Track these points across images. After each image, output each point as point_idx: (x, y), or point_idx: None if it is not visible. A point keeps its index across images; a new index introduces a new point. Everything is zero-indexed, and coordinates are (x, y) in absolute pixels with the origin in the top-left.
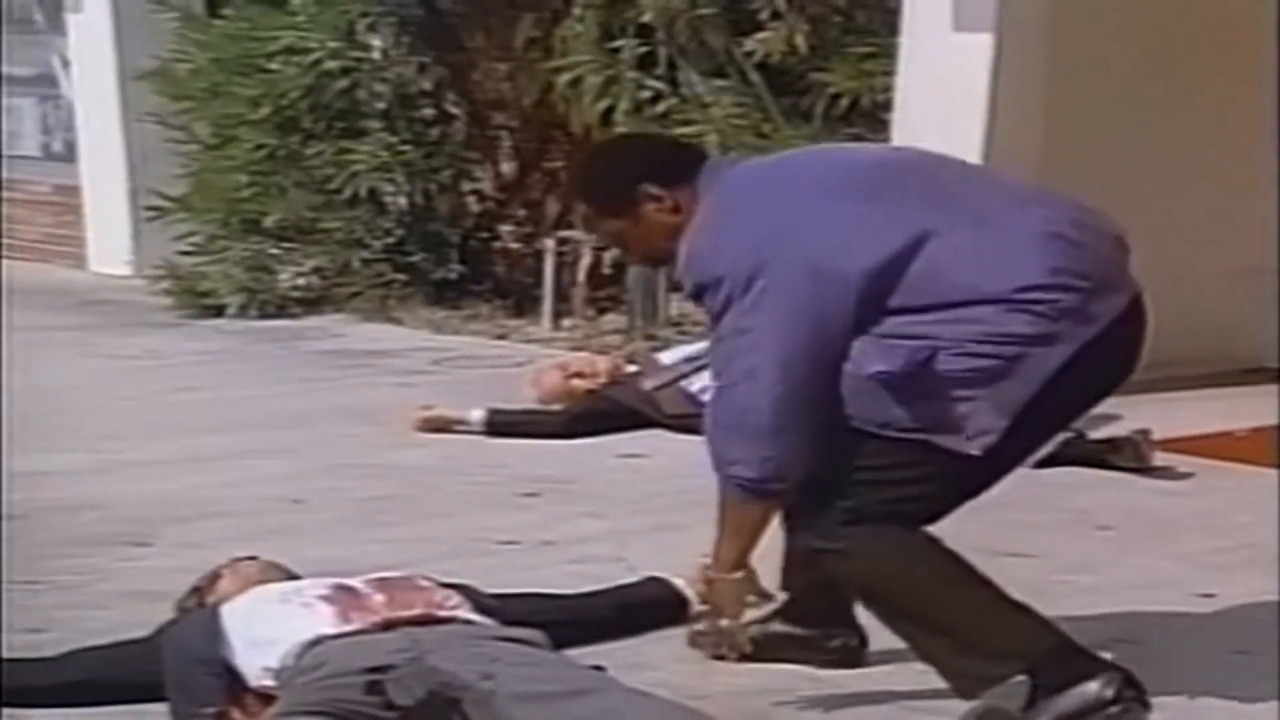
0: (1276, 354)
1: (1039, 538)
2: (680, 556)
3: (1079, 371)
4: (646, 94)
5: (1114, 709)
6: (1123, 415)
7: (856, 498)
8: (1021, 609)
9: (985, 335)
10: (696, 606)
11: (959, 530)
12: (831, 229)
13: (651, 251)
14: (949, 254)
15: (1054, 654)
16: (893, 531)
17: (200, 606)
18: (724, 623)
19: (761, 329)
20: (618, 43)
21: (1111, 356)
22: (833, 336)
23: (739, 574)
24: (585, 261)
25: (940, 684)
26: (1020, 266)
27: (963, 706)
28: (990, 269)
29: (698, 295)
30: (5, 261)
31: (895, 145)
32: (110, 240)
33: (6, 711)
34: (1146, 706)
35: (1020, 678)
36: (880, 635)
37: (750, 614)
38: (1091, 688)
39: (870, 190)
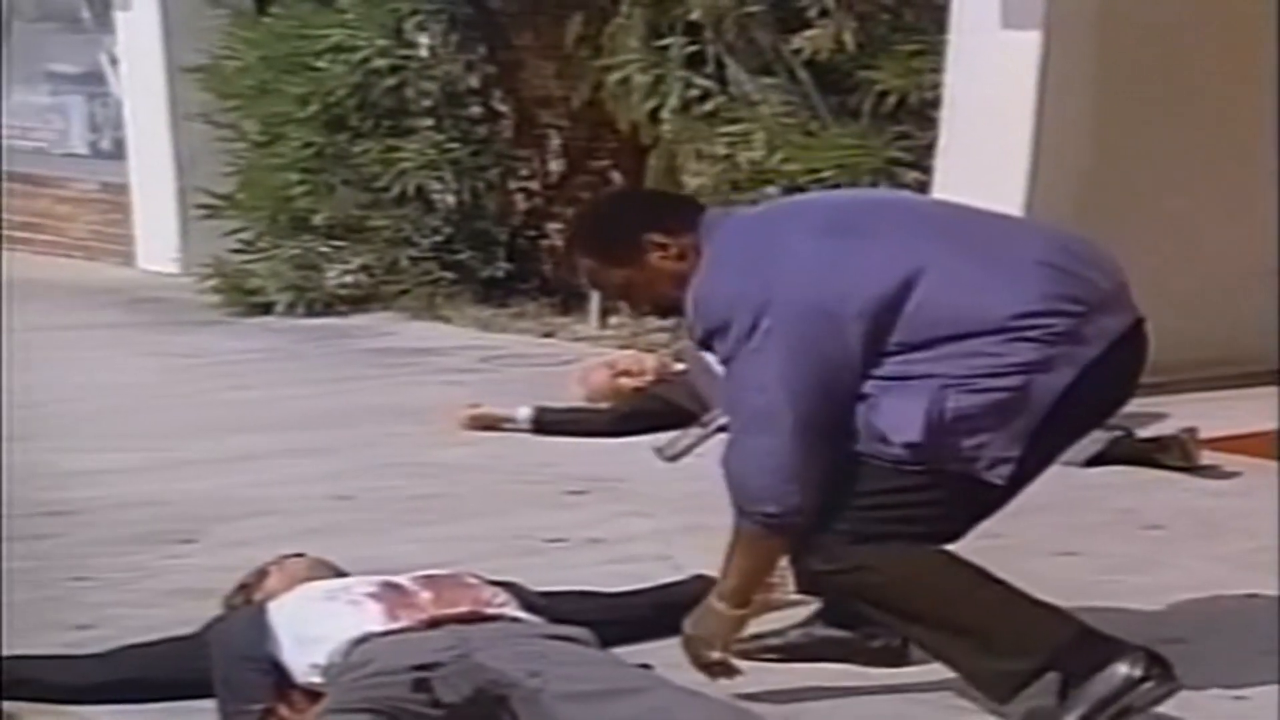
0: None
1: (1087, 538)
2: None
3: (1082, 393)
4: (694, 92)
5: (1146, 685)
6: (1170, 414)
7: (863, 521)
8: (1035, 602)
9: (990, 368)
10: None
11: (1006, 530)
12: (829, 267)
13: (659, 300)
14: (944, 287)
15: (1075, 642)
16: (899, 544)
17: (248, 604)
18: (715, 655)
19: (770, 370)
20: (665, 41)
21: (1112, 378)
22: (839, 371)
23: (740, 611)
24: None
25: None
26: (1014, 295)
27: None
28: (985, 299)
29: (706, 340)
30: (54, 259)
31: (878, 189)
32: (158, 238)
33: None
34: (1175, 680)
35: (1049, 674)
36: None
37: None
38: (1120, 669)
39: (862, 227)
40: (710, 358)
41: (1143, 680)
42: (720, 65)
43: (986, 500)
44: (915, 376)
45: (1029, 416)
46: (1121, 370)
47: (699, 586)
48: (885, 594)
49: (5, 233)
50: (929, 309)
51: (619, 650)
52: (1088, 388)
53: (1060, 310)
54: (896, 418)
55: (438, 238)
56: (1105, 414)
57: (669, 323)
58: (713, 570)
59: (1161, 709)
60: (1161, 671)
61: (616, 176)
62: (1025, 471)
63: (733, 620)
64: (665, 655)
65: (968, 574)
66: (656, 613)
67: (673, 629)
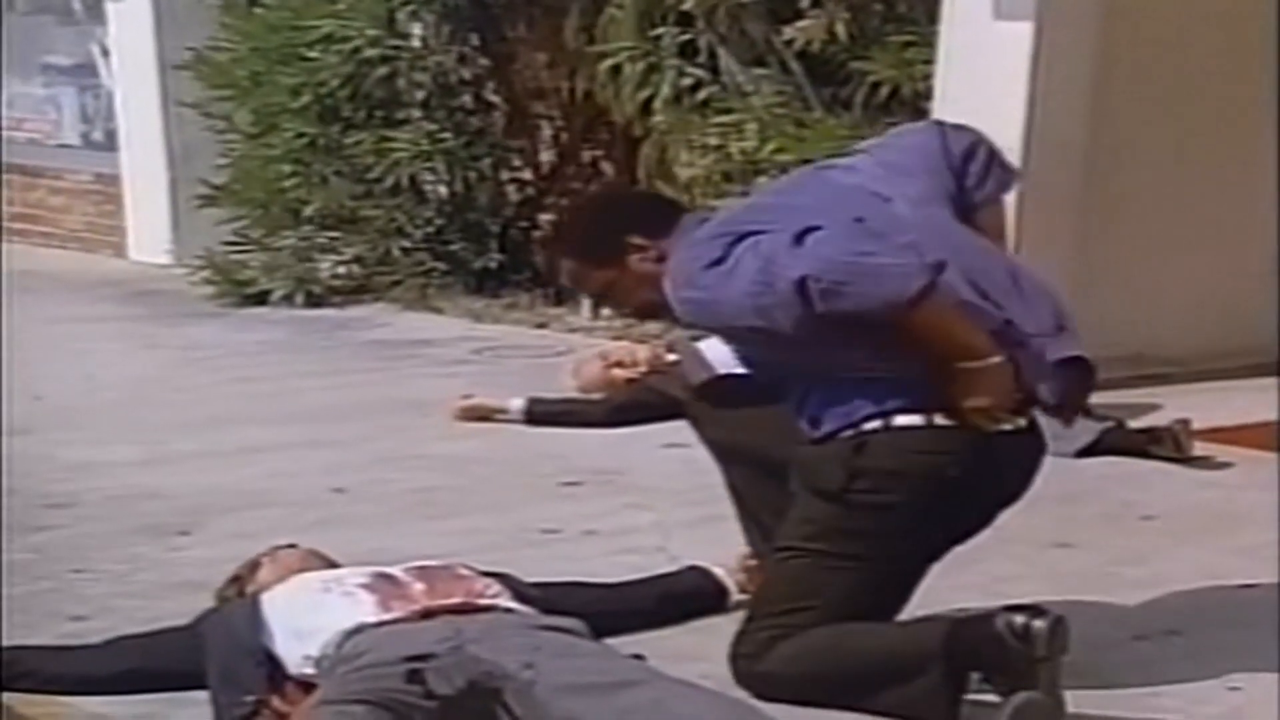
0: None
1: (1081, 529)
2: (723, 547)
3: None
4: (687, 82)
5: (1036, 623)
6: (1163, 405)
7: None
8: (899, 622)
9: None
10: (736, 596)
11: (999, 522)
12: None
13: (640, 302)
14: None
15: (956, 632)
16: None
17: (240, 595)
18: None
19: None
20: (658, 30)
21: (1006, 469)
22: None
23: (996, 358)
24: None
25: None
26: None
27: None
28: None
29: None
30: (51, 251)
31: None
32: (151, 229)
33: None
34: (1051, 613)
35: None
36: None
37: None
38: (999, 623)
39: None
40: (703, 346)
41: (1030, 619)
42: (712, 55)
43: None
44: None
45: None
46: (1012, 469)
47: (695, 578)
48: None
49: (4, 224)
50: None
51: (615, 641)
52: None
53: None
54: (822, 409)
55: (430, 228)
56: (993, 514)
57: None
58: (709, 562)
59: (1156, 703)
60: (1030, 609)
61: (609, 167)
62: (905, 562)
63: (1000, 366)
64: (666, 647)
65: (844, 631)
66: (652, 603)
67: (668, 620)
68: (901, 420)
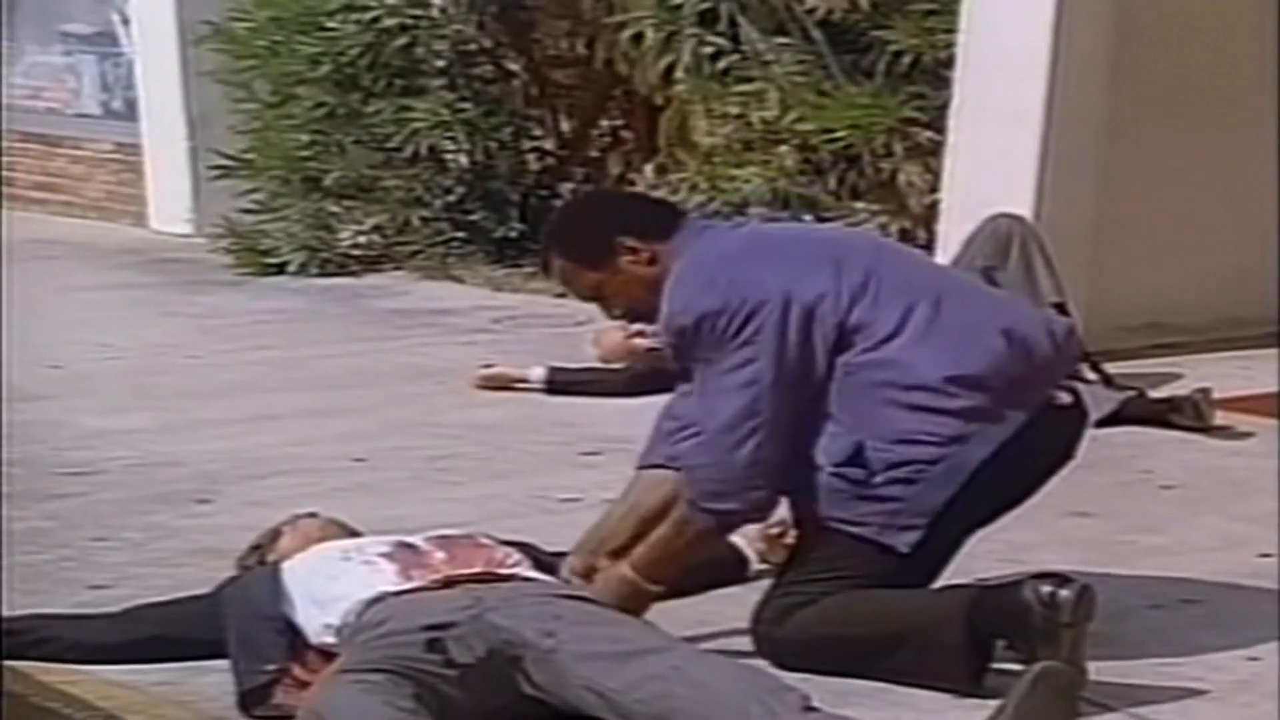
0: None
1: (1101, 498)
2: None
3: (1002, 467)
4: (707, 50)
5: (1063, 592)
6: (1184, 375)
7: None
8: (924, 590)
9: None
10: (755, 565)
11: None
12: (814, 270)
13: (630, 305)
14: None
15: (982, 599)
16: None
17: (261, 564)
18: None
19: (763, 361)
20: None
21: (1037, 453)
22: (815, 371)
23: (654, 588)
24: None
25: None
26: (957, 356)
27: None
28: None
29: (682, 334)
30: (71, 220)
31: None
32: (171, 198)
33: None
34: (1072, 581)
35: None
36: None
37: None
38: (1026, 590)
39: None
40: None
41: (1054, 587)
42: (733, 24)
43: (900, 577)
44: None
45: (943, 487)
46: (1052, 442)
47: None
48: (820, 655)
49: (22, 193)
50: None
51: None
52: (1008, 463)
53: (986, 384)
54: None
55: (450, 198)
56: (1032, 489)
57: None
58: None
59: (1173, 671)
60: (1056, 578)
61: (629, 136)
62: (935, 544)
63: (642, 594)
64: (685, 615)
65: (867, 599)
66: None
67: (686, 589)
68: None
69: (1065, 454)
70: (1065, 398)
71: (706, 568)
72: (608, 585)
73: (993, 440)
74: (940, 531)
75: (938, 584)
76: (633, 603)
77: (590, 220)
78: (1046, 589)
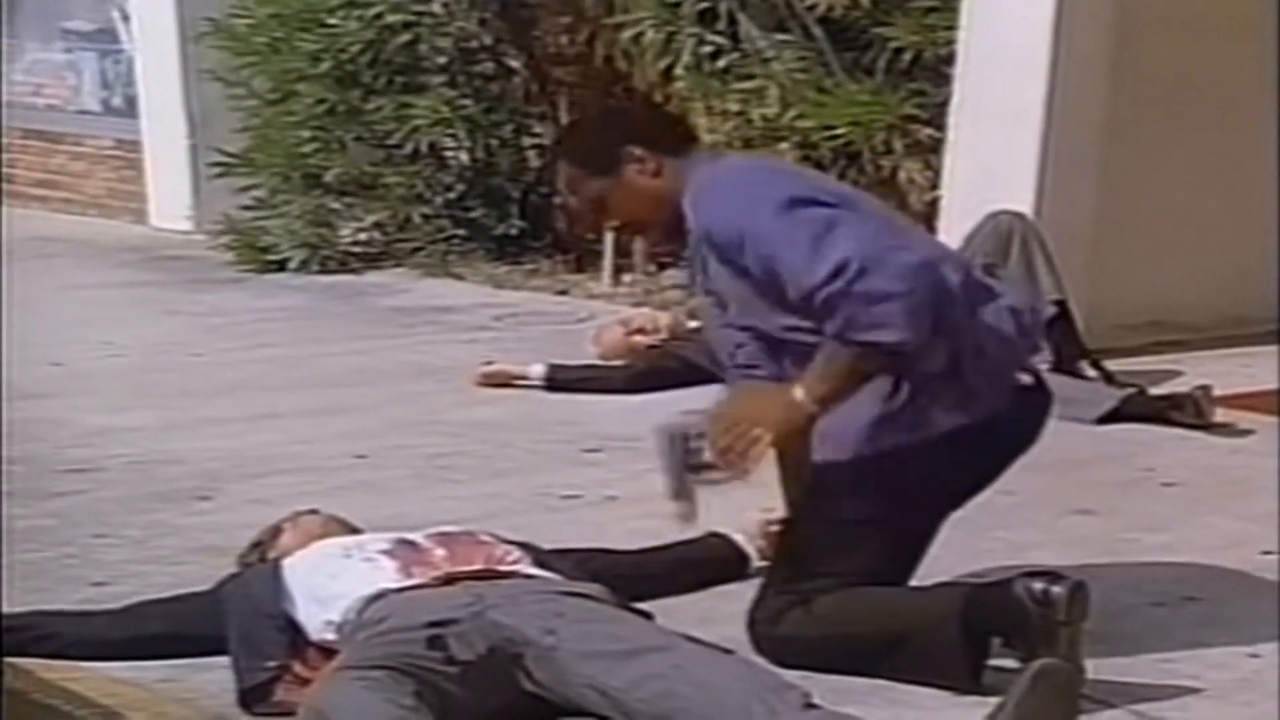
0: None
1: (1102, 495)
2: (742, 513)
3: (971, 445)
4: (707, 49)
5: (1056, 589)
6: (1184, 372)
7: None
8: (916, 587)
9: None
10: (756, 562)
11: (1020, 487)
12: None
13: (630, 216)
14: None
15: (976, 596)
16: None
17: (262, 561)
18: (757, 432)
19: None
20: None
21: (1003, 433)
22: None
23: (818, 410)
24: None
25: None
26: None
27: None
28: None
29: (758, 224)
30: (71, 217)
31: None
32: (171, 195)
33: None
34: (1064, 578)
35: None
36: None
37: None
38: (1018, 587)
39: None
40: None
41: (1046, 584)
42: (733, 21)
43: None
44: None
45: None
46: (1020, 423)
47: (714, 544)
48: (822, 652)
49: (22, 190)
50: None
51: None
52: (978, 441)
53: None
54: None
55: (451, 195)
56: (999, 467)
57: (682, 279)
58: (728, 528)
59: (1174, 668)
60: (1049, 575)
61: None
62: (910, 526)
63: (806, 414)
64: (688, 612)
65: (856, 595)
66: (672, 570)
67: (688, 586)
68: None
69: (1030, 436)
70: (1027, 379)
71: (707, 565)
72: (776, 401)
73: (969, 414)
74: (913, 512)
75: (931, 581)
76: (790, 417)
77: (601, 128)
78: (1039, 586)
